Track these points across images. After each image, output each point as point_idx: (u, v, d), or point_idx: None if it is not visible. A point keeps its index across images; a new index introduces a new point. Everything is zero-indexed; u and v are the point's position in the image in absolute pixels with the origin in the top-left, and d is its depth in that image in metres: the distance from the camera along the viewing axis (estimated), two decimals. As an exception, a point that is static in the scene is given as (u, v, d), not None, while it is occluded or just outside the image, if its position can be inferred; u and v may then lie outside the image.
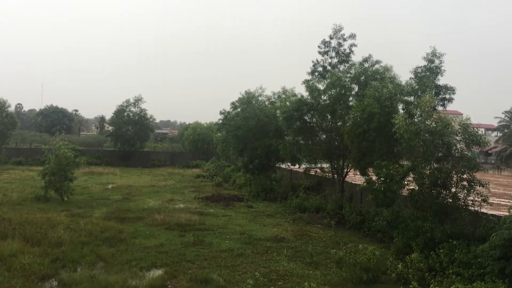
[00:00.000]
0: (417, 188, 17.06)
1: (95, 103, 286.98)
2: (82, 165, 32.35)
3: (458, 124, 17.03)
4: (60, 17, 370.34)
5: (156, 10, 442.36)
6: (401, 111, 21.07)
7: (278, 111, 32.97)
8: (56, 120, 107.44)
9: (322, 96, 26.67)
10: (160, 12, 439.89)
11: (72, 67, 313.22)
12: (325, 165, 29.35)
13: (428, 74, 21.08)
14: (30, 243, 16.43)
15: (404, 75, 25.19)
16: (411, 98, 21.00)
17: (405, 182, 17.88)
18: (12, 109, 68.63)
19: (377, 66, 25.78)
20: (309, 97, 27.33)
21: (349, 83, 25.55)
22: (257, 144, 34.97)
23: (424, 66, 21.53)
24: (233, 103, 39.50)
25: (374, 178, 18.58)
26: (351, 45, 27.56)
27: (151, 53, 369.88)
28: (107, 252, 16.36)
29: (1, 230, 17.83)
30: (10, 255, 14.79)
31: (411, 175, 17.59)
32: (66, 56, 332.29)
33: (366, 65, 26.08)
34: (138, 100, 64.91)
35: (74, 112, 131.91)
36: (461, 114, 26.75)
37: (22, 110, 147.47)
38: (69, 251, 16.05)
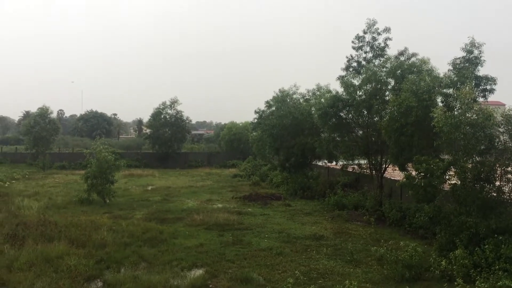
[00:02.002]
0: (459, 182, 16.60)
1: (132, 106, 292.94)
2: (122, 168, 33.19)
3: (501, 115, 16.43)
4: (95, 23, 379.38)
5: (188, 7, 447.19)
6: (440, 104, 20.50)
7: (313, 109, 32.71)
8: (96, 124, 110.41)
9: (358, 92, 26.27)
10: (192, 9, 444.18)
11: (109, 72, 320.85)
12: (362, 162, 28.93)
13: (467, 65, 20.47)
14: (75, 245, 16.98)
15: (442, 67, 24.55)
16: (450, 91, 20.39)
17: (446, 177, 17.43)
18: (54, 115, 70.86)
19: (413, 59, 25.19)
20: (344, 93, 26.99)
21: (385, 77, 25.08)
22: (293, 142, 34.86)
23: (462, 57, 20.92)
24: (267, 102, 39.50)
25: (413, 173, 18.22)
26: (386, 39, 27.13)
27: (185, 53, 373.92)
28: (149, 253, 16.72)
29: (48, 232, 18.49)
30: (57, 257, 15.32)
31: (452, 170, 17.13)
32: (102, 61, 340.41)
33: (402, 58, 25.55)
34: (174, 102, 66.00)
35: (113, 116, 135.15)
36: (504, 105, 25.77)
37: (64, 116, 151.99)
38: (113, 252, 16.49)
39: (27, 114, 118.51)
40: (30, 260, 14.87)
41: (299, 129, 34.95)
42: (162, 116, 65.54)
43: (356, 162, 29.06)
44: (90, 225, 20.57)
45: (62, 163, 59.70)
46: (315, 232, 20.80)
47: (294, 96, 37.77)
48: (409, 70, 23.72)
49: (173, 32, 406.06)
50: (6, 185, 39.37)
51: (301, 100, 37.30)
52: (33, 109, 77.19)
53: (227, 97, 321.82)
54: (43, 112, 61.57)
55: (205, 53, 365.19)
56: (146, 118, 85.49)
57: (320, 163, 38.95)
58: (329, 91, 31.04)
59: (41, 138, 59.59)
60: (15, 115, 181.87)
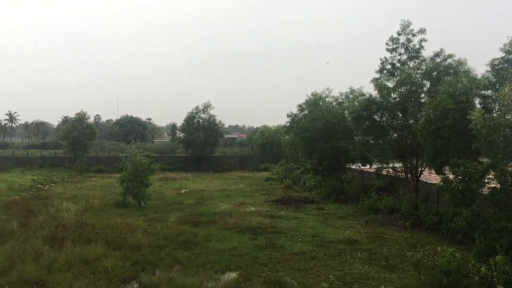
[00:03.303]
0: (499, 186, 16.10)
1: (166, 111, 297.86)
2: (156, 171, 33.66)
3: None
4: (129, 29, 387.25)
5: (224, 10, 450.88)
6: (478, 106, 19.98)
7: (346, 112, 32.47)
8: (131, 129, 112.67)
9: (392, 94, 25.84)
10: (229, 12, 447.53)
11: (144, 77, 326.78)
12: (397, 165, 28.46)
13: (507, 66, 19.88)
14: (111, 247, 17.32)
15: (479, 68, 23.91)
16: (489, 92, 19.86)
17: (485, 180, 16.94)
18: (91, 120, 72.68)
19: (449, 60, 24.60)
20: (378, 96, 26.61)
21: (420, 79, 24.59)
22: (326, 146, 34.64)
23: (501, 57, 20.34)
24: (300, 105, 39.45)
25: (451, 176, 17.76)
26: (421, 40, 26.58)
27: (219, 57, 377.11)
28: (183, 255, 16.88)
29: (85, 234, 18.93)
30: (94, 259, 15.67)
31: (492, 173, 16.63)
32: (137, 67, 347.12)
33: (438, 60, 24.98)
34: (207, 106, 66.76)
35: (147, 120, 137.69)
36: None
37: (100, 121, 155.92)
38: (148, 254, 16.75)
39: (65, 120, 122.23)
40: (69, 261, 15.26)
41: (332, 132, 34.73)
42: (195, 120, 66.35)
43: (391, 165, 28.60)
44: (126, 228, 20.95)
45: (98, 167, 61.16)
46: (349, 236, 20.57)
47: (327, 99, 37.63)
48: (445, 71, 23.20)
49: (208, 36, 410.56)
50: (46, 188, 40.63)
51: (334, 103, 37.12)
52: (71, 114, 79.48)
53: (260, 101, 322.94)
54: (81, 117, 63.25)
55: (239, 57, 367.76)
56: (179, 122, 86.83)
57: (353, 167, 38.56)
58: (363, 94, 30.66)
59: (79, 143, 61.21)
60: (54, 121, 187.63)
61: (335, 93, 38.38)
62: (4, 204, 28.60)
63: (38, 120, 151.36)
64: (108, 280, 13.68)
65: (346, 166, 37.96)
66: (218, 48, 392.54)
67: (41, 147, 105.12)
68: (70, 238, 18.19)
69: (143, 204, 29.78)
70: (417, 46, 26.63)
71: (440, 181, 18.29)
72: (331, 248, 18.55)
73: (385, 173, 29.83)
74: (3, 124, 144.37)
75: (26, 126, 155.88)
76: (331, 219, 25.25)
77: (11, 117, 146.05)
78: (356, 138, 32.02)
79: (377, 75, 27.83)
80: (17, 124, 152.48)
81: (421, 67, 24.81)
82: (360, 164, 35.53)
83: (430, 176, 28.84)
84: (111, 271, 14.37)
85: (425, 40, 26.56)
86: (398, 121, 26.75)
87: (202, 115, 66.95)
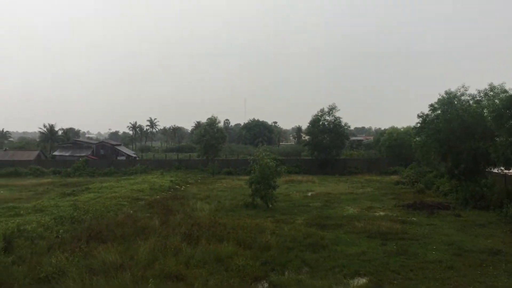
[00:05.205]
0: None
1: (291, 114, 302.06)
2: (283, 174, 34.22)
3: None
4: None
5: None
6: None
7: (485, 110, 29.89)
8: (258, 132, 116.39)
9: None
10: (367, 11, 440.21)
11: (268, 81, 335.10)
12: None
13: None
14: (242, 246, 17.93)
15: None
16: None
17: None
18: (221, 124, 76.53)
19: None
20: (523, 92, 24.09)
21: None
22: (462, 148, 32.16)
23: None
24: (431, 105, 37.16)
25: None
26: None
27: (344, 59, 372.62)
28: (311, 258, 16.84)
29: (218, 233, 19.90)
30: (226, 257, 16.35)
31: None
32: (262, 72, 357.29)
33: None
34: (332, 108, 66.31)
35: (273, 124, 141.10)
36: None
37: (230, 125, 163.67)
38: (277, 255, 17.01)
39: (198, 124, 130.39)
40: (204, 258, 16.11)
41: (469, 133, 32.13)
42: (321, 123, 66.26)
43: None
44: (255, 228, 21.54)
45: (228, 169, 64.12)
46: (491, 246, 18.77)
47: (463, 97, 34.95)
48: None
49: (342, 36, 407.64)
50: (182, 189, 43.75)
51: (471, 102, 34.33)
52: (203, 119, 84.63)
53: (388, 101, 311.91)
54: (212, 122, 66.94)
55: (368, 58, 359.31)
56: (304, 125, 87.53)
57: (495, 170, 35.26)
58: (505, 91, 28.01)
59: (211, 146, 64.80)
60: (188, 126, 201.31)
61: (472, 90, 35.46)
62: (147, 203, 31.41)
63: (174, 125, 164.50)
64: (240, 278, 14.16)
65: (486, 170, 34.83)
66: (348, 50, 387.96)
67: (177, 150, 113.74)
68: (204, 236, 19.24)
69: (270, 205, 30.44)
70: None
71: None
72: (470, 257, 17.09)
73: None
74: (145, 129, 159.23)
75: (164, 131, 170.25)
76: (469, 227, 23.32)
77: (152, 123, 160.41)
78: (497, 139, 29.27)
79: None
80: (157, 130, 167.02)
81: None
82: (503, 168, 32.36)
83: None
84: (242, 269, 14.86)
85: None
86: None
87: (327, 118, 66.66)
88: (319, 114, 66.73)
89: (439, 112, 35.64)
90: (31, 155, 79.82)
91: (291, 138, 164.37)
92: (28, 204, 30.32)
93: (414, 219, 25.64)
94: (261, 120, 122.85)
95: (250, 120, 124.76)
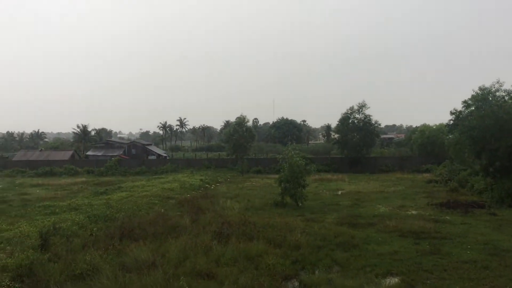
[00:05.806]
0: None
1: (320, 112, 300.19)
2: (312, 172, 34.06)
3: None
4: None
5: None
6: None
7: (522, 106, 28.94)
8: (287, 131, 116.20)
9: None
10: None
11: (298, 81, 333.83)
12: None
13: None
14: (272, 245, 17.91)
15: None
16: None
17: None
18: (250, 123, 76.68)
19: None
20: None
21: None
22: (498, 145, 31.26)
23: None
24: (465, 102, 36.32)
25: None
26: None
27: (374, 56, 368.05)
28: (342, 257, 16.68)
29: (248, 232, 19.92)
30: (256, 255, 16.36)
31: None
32: (291, 70, 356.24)
33: None
34: (362, 106, 65.54)
35: (302, 122, 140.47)
36: None
37: (258, 124, 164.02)
38: (307, 254, 16.92)
39: (227, 124, 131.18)
40: (234, 256, 16.16)
41: (504, 130, 31.19)
42: (350, 121, 65.63)
43: None
44: (285, 227, 21.49)
45: (257, 168, 64.26)
46: (529, 246, 18.21)
47: (497, 93, 33.97)
48: None
49: (368, 31, 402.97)
50: (212, 187, 44.06)
51: (507, 98, 33.34)
52: (232, 118, 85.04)
53: (418, 98, 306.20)
54: (241, 121, 67.15)
55: (395, 55, 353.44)
56: (334, 123, 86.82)
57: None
58: (542, 86, 27.02)
59: (240, 145, 65.01)
60: (217, 125, 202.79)
61: (507, 86, 34.41)
62: (178, 202, 31.78)
63: (204, 125, 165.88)
64: (270, 276, 14.14)
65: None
66: (374, 46, 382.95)
67: (206, 150, 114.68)
68: (235, 235, 19.29)
69: (300, 204, 30.33)
70: None
71: None
72: (507, 257, 16.59)
73: None
74: (175, 129, 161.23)
75: (193, 130, 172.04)
76: (506, 226, 22.64)
77: (182, 123, 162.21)
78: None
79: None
80: (186, 129, 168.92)
81: None
82: (541, 165, 31.32)
83: None
84: (272, 268, 14.85)
85: None
86: None
87: (357, 115, 65.95)
88: (349, 112, 66.08)
89: (473, 108, 34.80)
90: (66, 155, 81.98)
91: (320, 136, 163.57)
92: (63, 202, 31.15)
93: (448, 218, 25.09)
94: (290, 118, 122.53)
95: (279, 119, 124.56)
